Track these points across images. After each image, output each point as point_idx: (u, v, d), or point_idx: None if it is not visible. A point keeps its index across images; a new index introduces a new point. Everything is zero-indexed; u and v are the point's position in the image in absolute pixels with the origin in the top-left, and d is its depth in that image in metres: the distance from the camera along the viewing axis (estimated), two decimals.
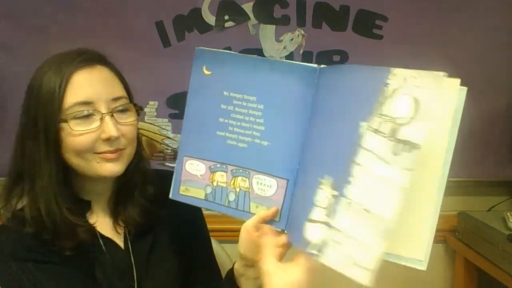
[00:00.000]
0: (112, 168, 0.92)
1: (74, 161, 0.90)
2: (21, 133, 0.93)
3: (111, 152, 0.90)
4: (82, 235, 0.92)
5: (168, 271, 1.03)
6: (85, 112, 0.88)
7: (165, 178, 1.01)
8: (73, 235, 0.91)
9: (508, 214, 1.69)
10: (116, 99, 0.92)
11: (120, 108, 0.93)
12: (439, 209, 0.76)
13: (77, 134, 0.88)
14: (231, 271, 0.98)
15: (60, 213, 0.90)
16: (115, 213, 1.01)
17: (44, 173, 0.89)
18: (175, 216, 1.05)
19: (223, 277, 1.03)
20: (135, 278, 0.98)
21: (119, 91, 0.94)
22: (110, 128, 0.89)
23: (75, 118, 0.87)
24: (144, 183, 1.02)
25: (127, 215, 1.00)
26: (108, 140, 0.89)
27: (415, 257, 0.77)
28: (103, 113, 0.89)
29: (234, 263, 0.97)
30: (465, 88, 0.74)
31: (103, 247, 0.96)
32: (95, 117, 0.89)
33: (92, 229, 0.95)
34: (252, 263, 0.90)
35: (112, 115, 0.90)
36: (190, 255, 1.07)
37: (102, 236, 0.97)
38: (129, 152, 0.95)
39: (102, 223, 0.99)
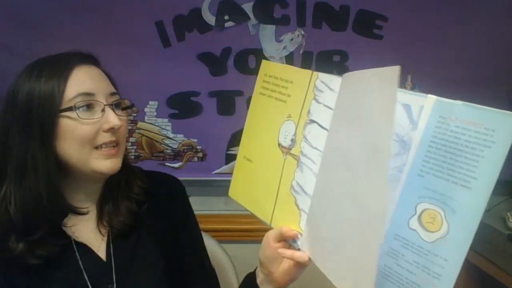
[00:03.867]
0: (111, 164, 0.92)
1: (74, 155, 0.89)
2: (4, 128, 0.90)
3: (111, 144, 0.91)
4: (59, 242, 0.92)
5: (152, 274, 1.02)
6: (88, 102, 0.89)
7: (153, 178, 1.06)
8: (49, 240, 0.91)
9: (508, 214, 1.69)
10: (112, 94, 0.94)
11: (118, 102, 0.95)
12: None
13: (83, 122, 0.88)
14: (251, 274, 0.99)
15: (46, 211, 0.89)
16: (100, 215, 1.00)
17: (39, 167, 0.88)
18: (160, 216, 1.05)
19: (242, 279, 1.03)
20: (115, 283, 0.97)
21: (114, 88, 0.97)
22: (113, 118, 0.90)
23: (79, 107, 0.88)
24: (130, 182, 1.02)
25: (112, 217, 0.99)
26: (111, 129, 0.90)
27: None
28: (104, 104, 0.91)
29: (256, 268, 0.98)
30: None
31: (77, 254, 0.95)
32: (96, 109, 0.90)
33: (68, 238, 0.95)
34: (268, 273, 0.92)
35: (111, 107, 0.92)
36: (178, 255, 1.07)
37: (77, 243, 0.96)
38: (123, 149, 0.96)
39: (84, 225, 0.98)
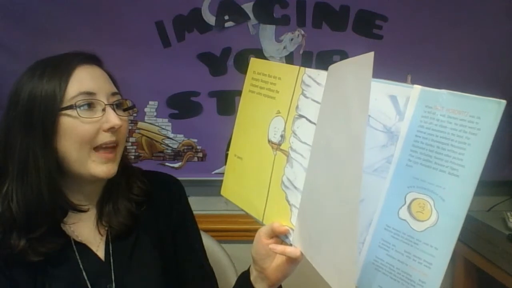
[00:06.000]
0: (106, 169, 0.93)
1: (74, 154, 0.90)
2: (6, 127, 0.92)
3: (111, 144, 0.92)
4: (59, 240, 0.93)
5: (150, 274, 1.02)
6: (89, 101, 0.90)
7: (152, 178, 1.07)
8: (49, 238, 0.92)
9: (508, 214, 1.68)
10: (114, 94, 0.95)
11: (119, 102, 0.96)
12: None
13: (84, 121, 0.89)
14: (245, 273, 0.99)
15: (47, 208, 0.90)
16: (100, 215, 1.01)
17: (40, 164, 0.89)
18: (158, 216, 1.06)
19: (237, 278, 1.03)
20: (113, 282, 0.98)
21: (116, 88, 0.98)
22: (114, 117, 0.91)
23: (80, 106, 0.89)
24: (130, 183, 1.03)
25: (112, 217, 1.00)
26: (111, 129, 0.91)
27: None
28: (105, 104, 0.92)
29: (250, 266, 0.98)
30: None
31: (76, 253, 0.96)
32: (97, 108, 0.91)
33: (67, 237, 0.96)
34: (261, 270, 0.92)
35: (112, 107, 0.93)
36: (176, 255, 1.07)
37: (76, 242, 0.97)
38: (121, 150, 0.97)
39: (84, 225, 0.99)
